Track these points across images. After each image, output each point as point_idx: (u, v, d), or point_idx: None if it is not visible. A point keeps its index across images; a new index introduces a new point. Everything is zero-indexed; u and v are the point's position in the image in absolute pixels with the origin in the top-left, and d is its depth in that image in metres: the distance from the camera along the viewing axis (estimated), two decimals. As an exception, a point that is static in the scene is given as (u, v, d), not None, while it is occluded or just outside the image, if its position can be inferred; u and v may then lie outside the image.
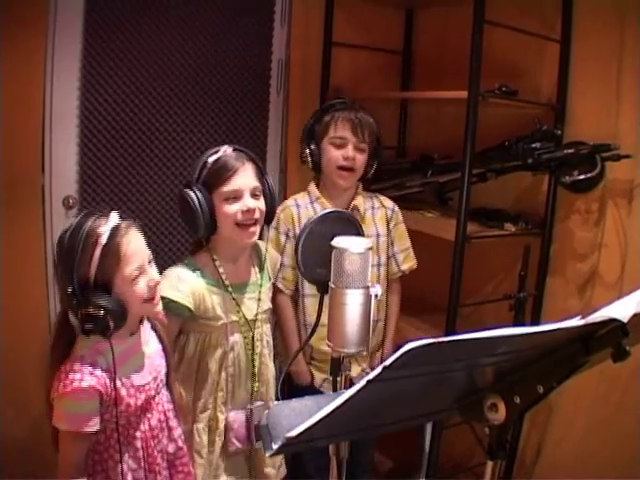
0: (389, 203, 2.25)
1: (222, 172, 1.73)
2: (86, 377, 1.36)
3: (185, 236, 2.56)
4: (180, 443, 1.61)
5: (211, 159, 1.75)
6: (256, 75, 2.72)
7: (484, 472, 1.06)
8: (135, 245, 1.42)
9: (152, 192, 2.53)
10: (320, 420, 0.80)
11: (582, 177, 2.15)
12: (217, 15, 2.56)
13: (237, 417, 1.82)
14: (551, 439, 2.44)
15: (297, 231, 2.08)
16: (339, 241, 1.26)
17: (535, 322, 2.34)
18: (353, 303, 1.25)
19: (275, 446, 0.86)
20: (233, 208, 1.73)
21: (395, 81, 3.04)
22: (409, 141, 3.08)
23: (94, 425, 1.38)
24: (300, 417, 0.82)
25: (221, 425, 1.81)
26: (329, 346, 1.30)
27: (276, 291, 2.11)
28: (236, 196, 1.74)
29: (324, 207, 2.11)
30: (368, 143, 2.10)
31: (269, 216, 1.84)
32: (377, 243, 2.17)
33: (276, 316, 2.17)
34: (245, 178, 1.75)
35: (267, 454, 0.90)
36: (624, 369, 1.75)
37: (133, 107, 2.45)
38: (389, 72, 3.01)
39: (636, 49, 2.08)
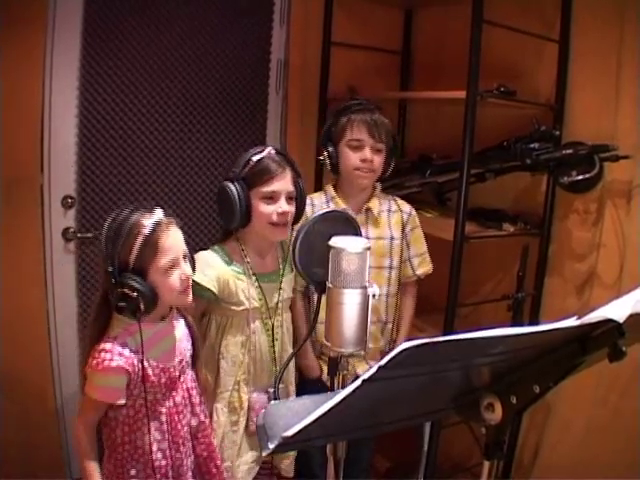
0: (406, 207, 2.25)
1: (264, 173, 1.85)
2: (115, 357, 1.53)
3: (185, 235, 2.56)
4: (202, 417, 1.76)
5: (255, 158, 1.86)
6: (255, 75, 2.72)
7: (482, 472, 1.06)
8: (172, 240, 1.58)
9: (151, 192, 2.53)
10: (316, 419, 0.80)
11: (580, 177, 2.15)
12: (216, 15, 2.56)
13: (259, 398, 1.94)
14: (549, 440, 2.44)
15: None
16: (337, 241, 1.26)
17: (533, 322, 2.35)
18: (350, 303, 1.26)
19: (271, 445, 0.86)
20: (269, 208, 1.86)
21: (394, 81, 3.04)
22: (408, 141, 3.08)
23: (118, 398, 1.56)
24: (297, 416, 0.82)
25: (244, 406, 1.92)
26: (327, 346, 1.30)
27: None
28: (273, 197, 1.86)
29: (338, 207, 2.12)
30: (385, 143, 2.10)
31: (297, 218, 1.96)
32: (390, 246, 2.17)
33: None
34: (284, 182, 1.87)
35: (264, 453, 0.90)
36: (623, 370, 1.75)
37: (132, 107, 2.45)
38: (388, 72, 3.01)
39: (635, 51, 2.09)
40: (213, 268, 1.87)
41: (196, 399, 1.74)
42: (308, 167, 2.34)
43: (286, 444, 0.83)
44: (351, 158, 2.09)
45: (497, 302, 2.27)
